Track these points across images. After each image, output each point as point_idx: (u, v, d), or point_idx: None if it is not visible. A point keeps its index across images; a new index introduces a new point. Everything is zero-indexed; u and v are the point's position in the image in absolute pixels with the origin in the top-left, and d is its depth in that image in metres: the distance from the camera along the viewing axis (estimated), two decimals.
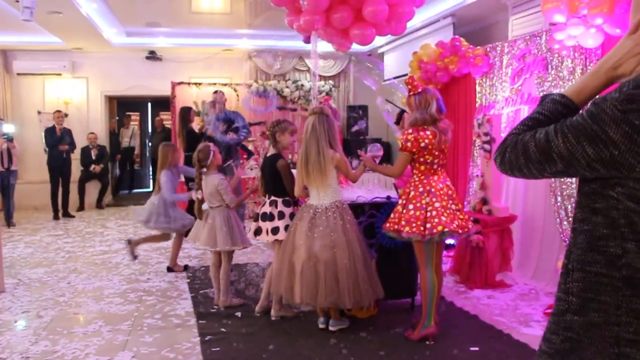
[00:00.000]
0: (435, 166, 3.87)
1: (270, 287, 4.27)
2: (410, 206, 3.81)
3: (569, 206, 4.86)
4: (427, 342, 3.86)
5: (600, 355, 1.19)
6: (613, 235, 1.19)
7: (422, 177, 3.87)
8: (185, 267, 6.08)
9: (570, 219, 4.84)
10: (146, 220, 5.78)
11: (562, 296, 1.28)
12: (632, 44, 1.24)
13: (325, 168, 3.92)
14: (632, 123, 1.11)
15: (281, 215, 4.30)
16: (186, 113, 7.67)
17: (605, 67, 1.27)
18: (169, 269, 6.00)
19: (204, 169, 4.72)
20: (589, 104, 1.22)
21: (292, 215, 4.31)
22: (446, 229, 3.71)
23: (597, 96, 1.24)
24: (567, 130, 1.20)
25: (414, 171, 3.93)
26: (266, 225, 4.33)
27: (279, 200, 4.35)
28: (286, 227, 4.24)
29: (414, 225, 3.73)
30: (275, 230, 4.28)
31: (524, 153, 1.27)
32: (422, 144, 3.79)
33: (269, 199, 4.40)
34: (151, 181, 14.29)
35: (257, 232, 4.41)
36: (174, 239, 5.99)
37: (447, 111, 6.71)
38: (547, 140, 1.22)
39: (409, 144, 3.81)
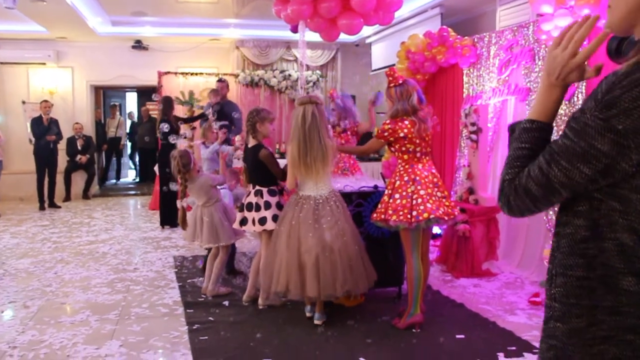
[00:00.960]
0: (418, 154, 3.93)
1: (261, 279, 4.17)
2: (397, 195, 3.86)
3: None
4: (414, 330, 3.91)
5: None
6: (592, 237, 1.20)
7: (407, 166, 3.92)
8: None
9: (556, 208, 4.89)
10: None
11: (548, 302, 1.28)
12: (561, 60, 1.23)
13: (327, 158, 3.88)
14: (615, 129, 1.10)
15: (267, 205, 4.29)
16: (169, 103, 7.59)
17: (554, 80, 1.25)
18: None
19: (188, 175, 4.58)
20: (570, 120, 1.20)
21: (278, 205, 4.30)
22: (432, 216, 3.76)
23: (575, 109, 1.23)
24: (558, 156, 1.18)
25: (399, 161, 4.00)
26: (252, 215, 4.31)
27: (264, 190, 4.33)
28: (273, 217, 4.23)
29: (400, 213, 3.77)
30: (262, 221, 4.26)
31: (527, 195, 1.25)
32: (402, 134, 3.86)
33: (253, 188, 4.39)
34: (133, 171, 14.24)
35: (243, 222, 4.39)
36: None
37: (435, 101, 6.78)
38: (544, 174, 1.20)
39: (385, 134, 3.92)
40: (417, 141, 3.90)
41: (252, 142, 4.41)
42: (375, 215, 3.97)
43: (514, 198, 1.27)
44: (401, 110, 3.90)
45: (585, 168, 1.15)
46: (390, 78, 3.98)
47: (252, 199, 4.35)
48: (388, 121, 3.94)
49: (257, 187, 4.36)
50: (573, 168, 1.16)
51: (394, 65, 6.87)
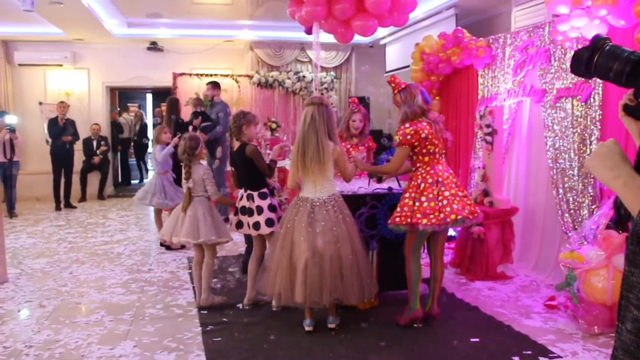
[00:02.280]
0: (437, 155, 3.93)
1: (259, 281, 4.10)
2: (423, 198, 3.82)
3: (570, 198, 4.86)
4: (415, 325, 3.97)
5: None
6: None
7: (428, 168, 3.90)
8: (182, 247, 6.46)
9: (572, 211, 4.84)
10: (142, 198, 6.50)
11: None
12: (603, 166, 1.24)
13: (324, 161, 3.80)
14: None
15: (260, 210, 4.26)
16: (174, 103, 7.84)
17: (616, 180, 1.21)
18: (162, 244, 6.58)
19: (192, 158, 4.56)
20: None
21: (270, 207, 4.28)
22: (459, 217, 3.76)
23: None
24: None
25: (418, 164, 3.95)
26: (247, 220, 4.30)
27: (255, 194, 4.30)
28: (267, 221, 4.22)
29: (431, 216, 3.75)
30: (256, 226, 4.24)
31: None
32: (423, 135, 3.86)
33: (245, 192, 4.37)
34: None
35: (239, 225, 4.38)
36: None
37: (449, 103, 6.75)
38: None
39: (408, 137, 3.86)
40: (436, 142, 3.91)
41: (236, 145, 4.42)
42: (399, 219, 3.87)
43: None
44: (410, 112, 3.93)
45: None
46: (393, 85, 4.07)
47: (245, 203, 4.32)
48: (407, 124, 3.90)
49: (249, 191, 4.34)
50: None
51: (408, 66, 6.85)
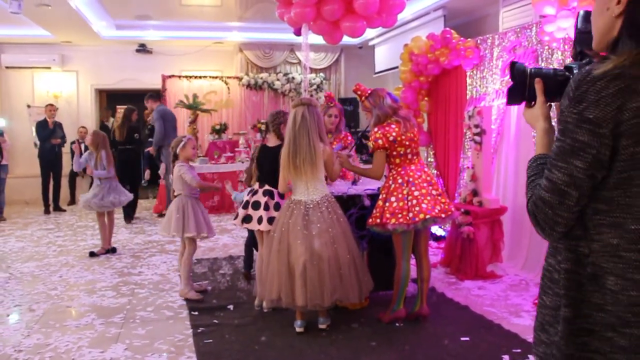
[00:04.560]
0: (410, 156, 4.00)
1: (256, 284, 4.14)
2: (392, 198, 3.91)
3: None
4: (397, 325, 4.03)
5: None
6: (584, 237, 1.31)
7: (400, 169, 3.99)
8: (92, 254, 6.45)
9: None
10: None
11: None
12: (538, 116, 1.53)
13: (317, 161, 3.81)
14: (588, 119, 1.22)
15: (277, 207, 4.25)
16: (130, 113, 8.50)
17: (540, 123, 1.50)
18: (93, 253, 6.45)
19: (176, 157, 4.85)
20: (557, 124, 1.33)
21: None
22: (428, 216, 3.80)
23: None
24: (555, 160, 1.29)
25: (391, 166, 4.05)
26: (260, 214, 4.25)
27: (275, 191, 4.30)
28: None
29: (399, 216, 3.82)
30: (271, 220, 4.20)
31: (545, 204, 1.33)
32: (391, 138, 3.93)
33: (261, 187, 4.36)
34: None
35: (246, 219, 4.33)
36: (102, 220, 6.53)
37: (438, 103, 6.79)
38: (549, 180, 1.30)
39: (379, 142, 3.96)
40: (407, 143, 3.97)
41: (274, 142, 4.37)
42: (370, 220, 3.99)
43: (537, 212, 1.36)
44: (381, 114, 4.01)
45: (578, 162, 1.25)
46: (359, 92, 4.17)
47: (260, 198, 4.30)
48: (376, 129, 4.00)
49: (267, 187, 4.33)
50: (569, 165, 1.26)
51: (396, 67, 6.87)
